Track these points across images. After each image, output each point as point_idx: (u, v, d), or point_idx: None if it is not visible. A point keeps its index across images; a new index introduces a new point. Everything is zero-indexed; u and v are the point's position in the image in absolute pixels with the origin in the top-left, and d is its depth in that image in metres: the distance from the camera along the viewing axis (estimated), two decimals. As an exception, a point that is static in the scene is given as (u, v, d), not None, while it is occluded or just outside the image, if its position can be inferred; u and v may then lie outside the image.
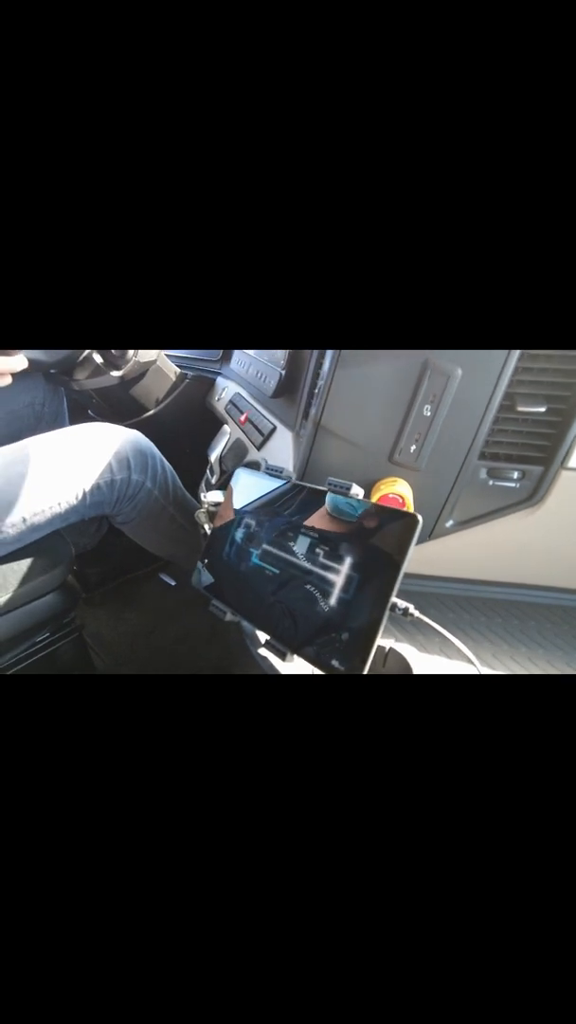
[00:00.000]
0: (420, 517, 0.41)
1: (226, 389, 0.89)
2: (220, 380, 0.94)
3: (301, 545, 0.48)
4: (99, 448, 0.73)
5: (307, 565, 0.47)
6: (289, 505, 0.51)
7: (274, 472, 0.55)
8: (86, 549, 1.05)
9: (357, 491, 0.47)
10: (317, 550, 0.47)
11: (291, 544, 0.49)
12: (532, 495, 0.55)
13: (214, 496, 0.63)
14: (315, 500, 0.48)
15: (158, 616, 1.08)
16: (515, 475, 0.54)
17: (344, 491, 0.47)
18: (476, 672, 0.43)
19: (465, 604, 0.61)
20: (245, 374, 0.82)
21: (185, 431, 0.97)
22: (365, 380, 0.51)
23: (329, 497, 0.46)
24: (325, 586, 0.45)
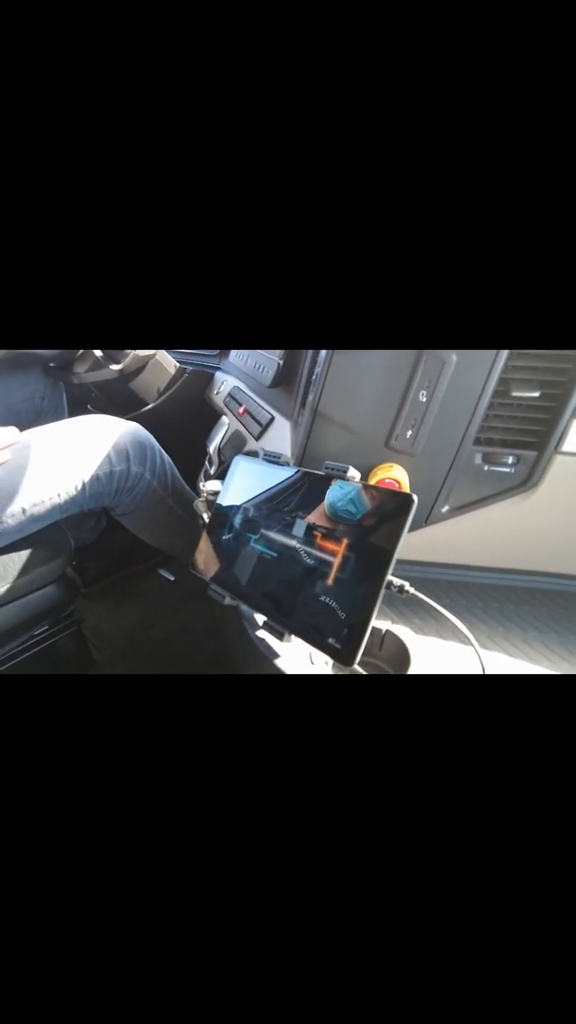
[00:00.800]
0: (415, 497, 0.42)
1: (225, 383, 0.89)
2: (219, 374, 0.95)
3: (299, 528, 0.49)
4: (98, 439, 0.74)
5: (304, 547, 0.47)
6: (291, 498, 0.51)
7: (272, 458, 0.56)
8: (85, 543, 1.05)
9: (354, 474, 0.48)
10: (314, 532, 0.47)
11: (288, 527, 0.49)
12: (527, 480, 0.55)
13: (212, 485, 0.64)
14: (316, 493, 0.49)
15: (157, 610, 1.08)
16: (510, 460, 0.55)
17: (341, 474, 0.48)
18: (473, 651, 0.44)
19: (461, 589, 0.61)
20: (243, 366, 0.83)
21: (184, 424, 0.97)
22: (361, 366, 0.52)
23: (328, 502, 0.46)
24: (321, 567, 0.45)
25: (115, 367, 0.86)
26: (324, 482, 0.49)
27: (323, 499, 0.48)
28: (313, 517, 0.48)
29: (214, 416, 0.92)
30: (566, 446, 0.53)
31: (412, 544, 0.60)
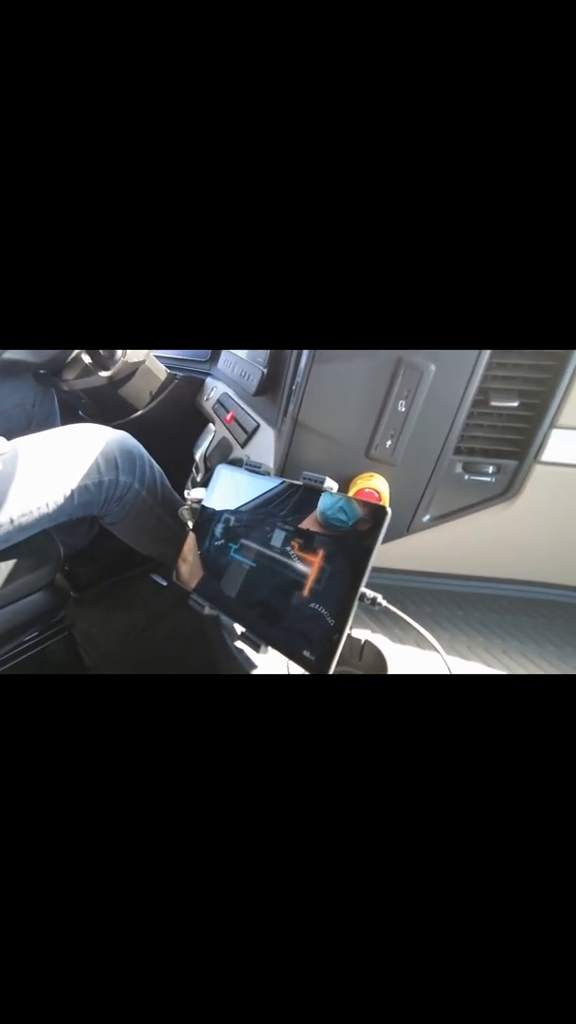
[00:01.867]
0: (389, 509, 0.42)
1: (215, 389, 0.90)
2: (209, 380, 0.95)
3: (277, 538, 0.49)
4: (87, 449, 0.74)
5: (281, 558, 0.48)
6: (276, 509, 0.51)
7: (253, 468, 0.56)
8: (77, 549, 1.06)
9: (331, 484, 0.48)
10: (292, 543, 0.47)
11: (267, 538, 0.50)
12: (507, 489, 0.56)
13: (197, 493, 0.64)
14: (302, 503, 0.49)
15: (149, 615, 1.09)
16: (490, 469, 0.55)
17: (318, 484, 0.48)
18: (454, 661, 0.44)
19: (443, 598, 0.61)
20: (231, 373, 0.83)
21: (175, 431, 0.98)
22: (341, 376, 0.52)
23: (320, 510, 0.46)
24: (298, 577, 0.46)
25: (104, 374, 0.86)
26: (309, 493, 0.49)
27: (310, 509, 0.48)
28: (299, 526, 0.48)
29: (204, 422, 0.92)
30: (545, 455, 0.53)
31: (393, 553, 0.60)
